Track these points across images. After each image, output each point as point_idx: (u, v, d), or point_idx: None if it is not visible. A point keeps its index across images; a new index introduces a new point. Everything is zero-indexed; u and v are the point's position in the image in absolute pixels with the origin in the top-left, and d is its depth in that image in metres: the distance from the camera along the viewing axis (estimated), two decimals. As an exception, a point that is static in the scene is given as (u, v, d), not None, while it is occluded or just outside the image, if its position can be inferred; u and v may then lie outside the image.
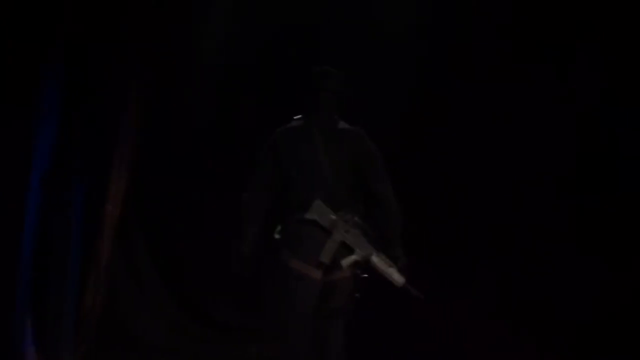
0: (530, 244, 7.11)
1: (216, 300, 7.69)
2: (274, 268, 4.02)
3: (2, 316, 6.55)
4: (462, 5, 7.32)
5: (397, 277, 3.79)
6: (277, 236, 3.99)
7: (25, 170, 6.80)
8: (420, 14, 7.43)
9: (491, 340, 6.93)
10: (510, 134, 7.17)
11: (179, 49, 7.66)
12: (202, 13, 7.70)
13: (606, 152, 7.03)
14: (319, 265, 3.78)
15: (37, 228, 6.85)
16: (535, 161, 7.16)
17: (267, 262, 4.00)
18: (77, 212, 7.16)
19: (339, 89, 4.13)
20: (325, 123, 4.03)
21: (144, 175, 7.64)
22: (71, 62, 7.06)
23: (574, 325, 6.91)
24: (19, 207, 6.72)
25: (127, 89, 7.55)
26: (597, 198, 6.96)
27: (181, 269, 7.82)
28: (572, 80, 7.11)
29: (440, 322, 7.05)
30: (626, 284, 6.76)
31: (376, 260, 3.77)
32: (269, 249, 4.12)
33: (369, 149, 3.99)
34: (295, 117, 4.19)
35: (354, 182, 3.90)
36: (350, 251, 3.77)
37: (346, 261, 3.78)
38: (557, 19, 7.15)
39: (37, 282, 6.90)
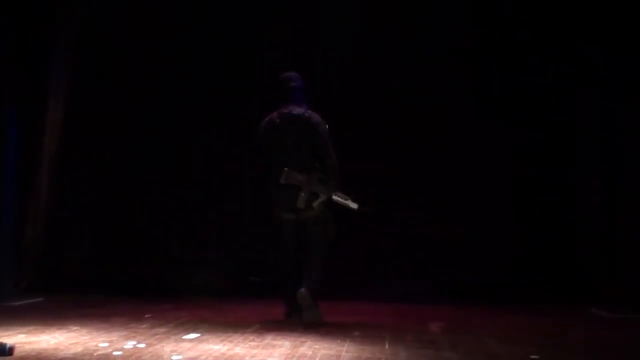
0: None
1: (160, 231, 7.60)
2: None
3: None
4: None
5: (352, 204, 5.60)
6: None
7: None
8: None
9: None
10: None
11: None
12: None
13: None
14: (292, 210, 5.59)
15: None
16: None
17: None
18: (12, 144, 6.97)
19: (299, 86, 5.73)
20: (290, 112, 5.67)
21: (82, 108, 7.44)
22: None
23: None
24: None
25: (59, 18, 7.31)
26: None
27: (124, 202, 7.70)
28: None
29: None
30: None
31: (336, 197, 5.59)
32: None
33: (317, 128, 5.63)
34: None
35: (310, 152, 5.62)
36: (317, 196, 5.58)
37: (316, 203, 5.57)
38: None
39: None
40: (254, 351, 4.49)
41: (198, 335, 5.02)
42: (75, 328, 5.24)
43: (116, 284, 7.32)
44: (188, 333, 5.08)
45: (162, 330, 5.22)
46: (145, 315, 5.87)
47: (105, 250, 7.55)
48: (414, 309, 6.64)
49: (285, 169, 5.54)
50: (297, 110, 5.69)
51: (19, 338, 4.79)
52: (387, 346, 4.73)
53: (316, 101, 5.87)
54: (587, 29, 7.24)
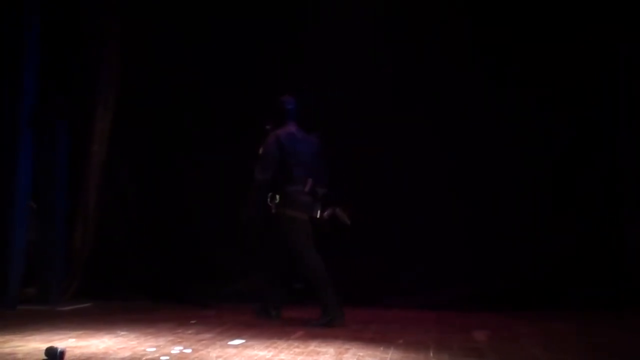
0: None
1: (205, 238, 7.68)
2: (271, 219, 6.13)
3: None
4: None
5: (347, 220, 6.14)
6: (276, 200, 6.08)
7: (15, 114, 6.75)
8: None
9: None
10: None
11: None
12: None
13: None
14: (307, 214, 6.12)
15: (27, 170, 6.81)
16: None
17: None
18: (62, 153, 7.12)
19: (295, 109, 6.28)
20: (298, 130, 6.23)
21: (130, 116, 7.58)
22: (50, 8, 6.99)
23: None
24: (9, 152, 6.73)
25: (108, 29, 7.46)
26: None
27: (170, 210, 7.80)
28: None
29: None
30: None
31: (339, 212, 6.15)
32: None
33: (319, 145, 6.27)
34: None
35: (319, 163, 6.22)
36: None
37: (327, 213, 6.14)
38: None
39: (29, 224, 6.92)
40: (299, 358, 4.52)
41: (243, 341, 5.07)
42: (124, 333, 5.34)
43: (163, 289, 7.45)
44: (233, 339, 5.14)
45: (208, 335, 5.29)
46: (191, 322, 5.95)
47: (151, 257, 7.66)
48: (457, 316, 6.60)
49: (309, 178, 6.11)
50: (298, 128, 6.23)
51: (69, 342, 4.89)
52: (431, 354, 4.71)
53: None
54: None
